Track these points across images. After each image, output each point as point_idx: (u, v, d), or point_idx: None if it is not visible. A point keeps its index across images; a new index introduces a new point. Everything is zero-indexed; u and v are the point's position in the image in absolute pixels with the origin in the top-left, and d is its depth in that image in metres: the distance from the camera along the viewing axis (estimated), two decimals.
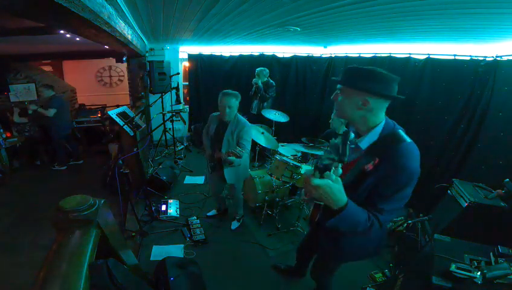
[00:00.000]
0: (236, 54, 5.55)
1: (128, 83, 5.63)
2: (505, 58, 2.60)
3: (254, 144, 3.25)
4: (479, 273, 1.55)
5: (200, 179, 4.20)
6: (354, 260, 1.59)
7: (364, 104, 1.11)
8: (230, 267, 2.55)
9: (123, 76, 8.01)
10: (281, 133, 5.00)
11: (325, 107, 5.17)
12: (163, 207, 3.31)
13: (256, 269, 2.54)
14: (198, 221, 3.09)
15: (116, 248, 1.25)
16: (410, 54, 3.47)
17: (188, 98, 6.06)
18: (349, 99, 1.15)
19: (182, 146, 5.45)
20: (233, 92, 2.49)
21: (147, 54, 5.10)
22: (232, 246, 2.83)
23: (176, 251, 2.66)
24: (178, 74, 5.12)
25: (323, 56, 5.28)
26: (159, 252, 2.64)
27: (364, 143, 1.17)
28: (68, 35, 3.25)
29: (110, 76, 8.09)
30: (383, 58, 3.84)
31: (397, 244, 2.66)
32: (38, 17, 1.35)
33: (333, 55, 5.00)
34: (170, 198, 3.55)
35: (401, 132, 1.16)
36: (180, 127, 5.88)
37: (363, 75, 1.11)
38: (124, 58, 4.77)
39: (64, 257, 0.90)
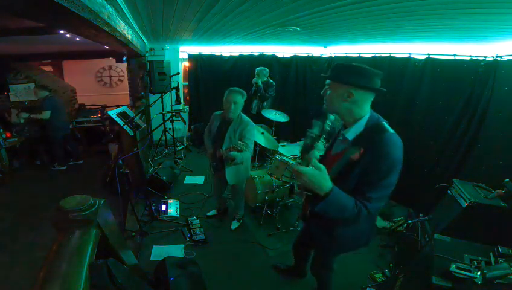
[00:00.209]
0: (236, 54, 5.55)
1: (128, 83, 5.64)
2: (505, 58, 2.60)
3: (254, 144, 3.25)
4: (479, 273, 1.55)
5: (200, 179, 4.20)
6: (346, 251, 1.66)
7: (349, 96, 1.21)
8: (230, 267, 2.55)
9: (123, 76, 8.01)
10: (281, 133, 5.00)
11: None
12: (163, 207, 3.31)
13: (256, 269, 2.54)
14: (198, 221, 3.09)
15: (116, 248, 1.25)
16: (410, 54, 3.47)
17: (188, 98, 6.06)
18: (336, 92, 1.26)
19: (182, 146, 5.45)
20: (240, 89, 2.48)
21: (147, 54, 5.10)
22: (232, 246, 2.83)
23: (176, 251, 2.66)
24: (178, 74, 5.12)
25: (323, 56, 5.28)
26: (159, 252, 2.64)
27: (351, 134, 1.27)
28: (68, 35, 3.25)
29: (110, 76, 8.10)
30: (383, 58, 3.84)
31: (397, 244, 2.66)
32: (38, 17, 1.35)
33: (333, 55, 5.00)
34: (170, 198, 3.55)
35: (385, 124, 1.25)
36: (180, 127, 5.88)
37: (347, 70, 1.23)
38: (124, 58, 4.78)
39: (64, 257, 0.90)
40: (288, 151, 3.54)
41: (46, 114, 4.20)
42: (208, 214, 3.27)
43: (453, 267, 1.63)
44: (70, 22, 1.45)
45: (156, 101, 3.68)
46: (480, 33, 2.38)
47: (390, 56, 3.74)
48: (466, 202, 2.23)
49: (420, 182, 3.26)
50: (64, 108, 4.78)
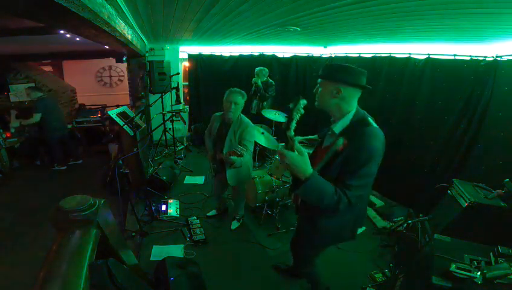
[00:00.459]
0: (236, 54, 5.55)
1: (128, 83, 5.64)
2: (505, 58, 2.60)
3: (254, 144, 3.25)
4: (479, 273, 1.55)
5: (200, 179, 4.20)
6: (329, 243, 1.75)
7: (338, 93, 1.33)
8: (230, 267, 2.56)
9: (123, 76, 8.02)
10: (281, 133, 4.99)
11: None
12: (163, 207, 3.31)
13: (256, 269, 2.54)
14: (198, 221, 3.09)
15: (116, 248, 1.25)
16: (410, 54, 3.47)
17: (188, 98, 6.06)
18: (326, 89, 1.38)
19: (182, 146, 5.45)
20: (241, 90, 2.47)
21: (147, 54, 5.10)
22: (232, 246, 2.83)
23: (176, 251, 2.66)
24: (178, 74, 5.12)
25: (323, 56, 5.27)
26: (159, 252, 2.64)
27: (338, 128, 1.39)
28: (68, 35, 3.25)
29: (110, 76, 8.10)
30: (383, 58, 3.84)
31: (397, 244, 2.66)
32: (38, 17, 1.35)
33: (333, 55, 5.00)
34: (170, 198, 3.55)
35: (370, 119, 1.36)
36: (180, 127, 5.88)
37: (336, 69, 1.35)
38: (124, 58, 4.78)
39: (64, 257, 0.90)
40: None
41: (36, 117, 4.11)
42: (208, 214, 3.27)
43: (453, 267, 1.62)
44: (70, 22, 1.45)
45: (156, 101, 3.68)
46: (480, 33, 2.38)
47: (390, 56, 3.74)
48: (466, 202, 2.23)
49: (420, 182, 3.26)
50: (60, 108, 4.75)
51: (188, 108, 5.99)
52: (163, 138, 5.14)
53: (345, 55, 4.63)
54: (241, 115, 2.53)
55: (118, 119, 2.89)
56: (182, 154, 5.09)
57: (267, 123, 4.48)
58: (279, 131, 4.73)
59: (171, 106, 5.17)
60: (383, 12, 1.97)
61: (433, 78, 3.20)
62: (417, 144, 3.33)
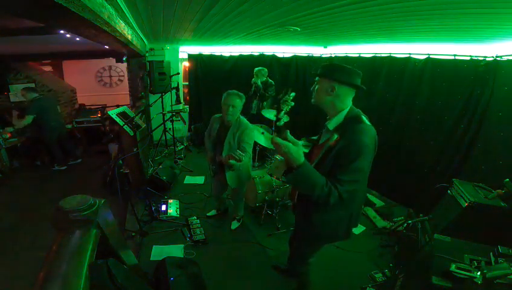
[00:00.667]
0: (236, 54, 5.55)
1: (128, 83, 5.64)
2: (505, 58, 2.60)
3: (254, 144, 3.25)
4: (479, 273, 1.55)
5: (200, 179, 4.20)
6: (325, 241, 1.77)
7: (332, 90, 1.39)
8: (230, 267, 2.56)
9: (123, 76, 8.02)
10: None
11: None
12: (163, 207, 3.31)
13: (256, 269, 2.54)
14: (198, 221, 3.09)
15: (116, 248, 1.25)
16: (410, 54, 3.47)
17: (188, 98, 6.06)
18: (322, 87, 1.44)
19: (182, 146, 5.45)
20: (238, 92, 2.44)
21: (147, 54, 5.10)
22: (232, 246, 2.83)
23: (176, 251, 2.66)
24: (178, 74, 5.12)
25: (323, 56, 5.27)
26: (159, 252, 2.63)
27: (332, 124, 1.45)
28: (68, 35, 3.25)
29: (110, 76, 8.11)
30: (383, 58, 3.84)
31: (397, 244, 2.66)
32: (38, 17, 1.35)
33: (333, 55, 5.00)
34: (170, 198, 3.55)
35: (363, 117, 1.41)
36: (180, 127, 5.88)
37: (333, 68, 1.42)
38: (124, 58, 4.78)
39: (64, 257, 0.90)
40: None
41: (28, 119, 4.05)
42: (208, 214, 3.27)
43: (453, 267, 1.63)
44: (70, 22, 1.45)
45: (156, 101, 3.68)
46: (480, 33, 2.38)
47: (390, 56, 3.73)
48: (466, 202, 2.23)
49: (420, 182, 3.26)
50: (57, 108, 4.73)
51: (188, 108, 5.98)
52: (163, 138, 5.14)
53: (345, 55, 4.62)
54: (240, 116, 2.51)
55: (118, 119, 2.90)
56: (182, 154, 5.09)
57: (267, 123, 4.48)
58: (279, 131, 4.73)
59: (171, 106, 5.16)
60: (383, 12, 1.97)
61: (433, 78, 3.20)
62: (417, 144, 3.33)
